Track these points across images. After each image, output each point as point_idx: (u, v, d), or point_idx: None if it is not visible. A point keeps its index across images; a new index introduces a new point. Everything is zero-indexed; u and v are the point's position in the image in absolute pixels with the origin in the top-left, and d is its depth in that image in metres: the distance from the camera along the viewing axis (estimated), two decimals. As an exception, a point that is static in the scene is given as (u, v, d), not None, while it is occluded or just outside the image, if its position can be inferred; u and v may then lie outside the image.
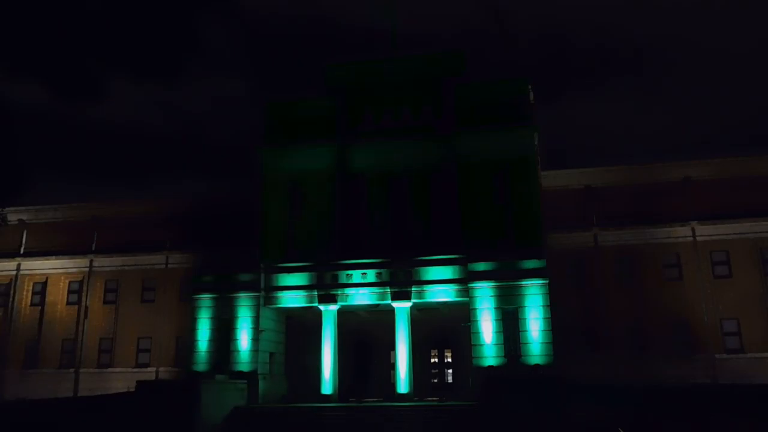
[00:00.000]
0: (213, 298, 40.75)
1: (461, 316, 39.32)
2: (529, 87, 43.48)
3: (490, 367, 35.99)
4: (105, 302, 51.03)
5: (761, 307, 42.26)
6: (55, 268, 52.32)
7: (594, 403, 29.45)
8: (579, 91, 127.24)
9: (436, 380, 45.13)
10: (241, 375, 38.37)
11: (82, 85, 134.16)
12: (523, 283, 37.04)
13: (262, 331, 39.92)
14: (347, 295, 39.44)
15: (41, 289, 52.38)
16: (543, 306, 36.60)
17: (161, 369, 47.99)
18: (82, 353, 49.88)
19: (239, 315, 40.13)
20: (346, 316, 41.27)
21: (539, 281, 36.94)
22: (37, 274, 52.66)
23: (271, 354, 40.93)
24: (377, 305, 39.89)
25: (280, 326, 42.55)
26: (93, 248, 51.99)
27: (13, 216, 51.31)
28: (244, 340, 39.63)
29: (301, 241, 43.07)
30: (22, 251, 53.34)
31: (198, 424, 31.93)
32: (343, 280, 39.53)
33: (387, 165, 43.54)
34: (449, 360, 45.30)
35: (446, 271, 38.48)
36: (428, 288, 38.51)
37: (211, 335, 40.15)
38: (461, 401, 36.19)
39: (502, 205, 41.26)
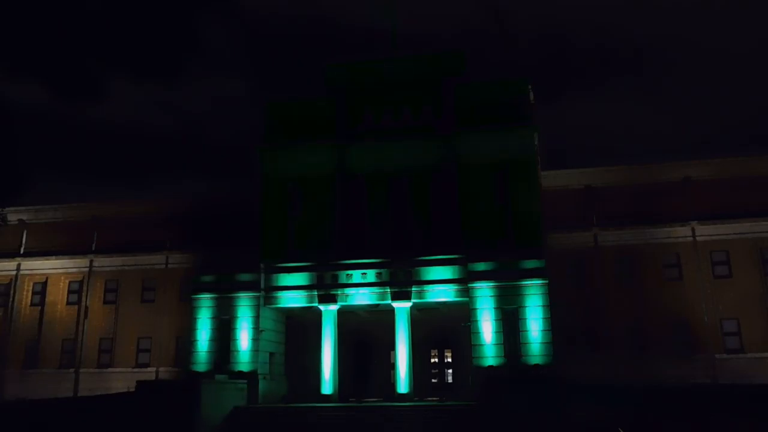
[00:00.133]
0: (213, 298, 40.74)
1: (461, 316, 39.32)
2: (529, 87, 43.47)
3: (490, 367, 35.97)
4: (105, 302, 51.03)
5: (761, 307, 42.26)
6: (55, 268, 52.32)
7: (594, 403, 29.44)
8: (579, 91, 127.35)
9: (436, 380, 45.13)
10: (241, 375, 38.36)
11: (82, 85, 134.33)
12: (523, 283, 37.03)
13: (262, 331, 39.92)
14: (347, 295, 39.44)
15: (41, 289, 52.38)
16: (543, 306, 36.59)
17: (161, 369, 47.99)
18: (82, 353, 49.88)
19: (239, 315, 40.13)
20: (346, 316, 41.27)
21: (539, 281, 36.93)
22: (37, 274, 52.66)
23: (271, 354, 40.92)
24: (377, 305, 39.90)
25: (280, 326, 42.55)
26: (93, 248, 51.99)
27: (13, 216, 51.28)
28: (244, 340, 39.62)
29: (301, 241, 43.07)
30: (22, 251, 53.33)
31: (198, 424, 31.93)
32: (343, 280, 39.53)
33: (387, 165, 43.52)
34: (449, 360, 45.30)
35: (446, 271, 38.48)
36: (428, 288, 38.51)
37: (211, 335, 40.15)
38: (461, 401, 36.20)
39: (502, 205, 41.24)
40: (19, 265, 52.84)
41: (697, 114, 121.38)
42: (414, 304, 38.99)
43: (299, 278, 40.18)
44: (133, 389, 35.38)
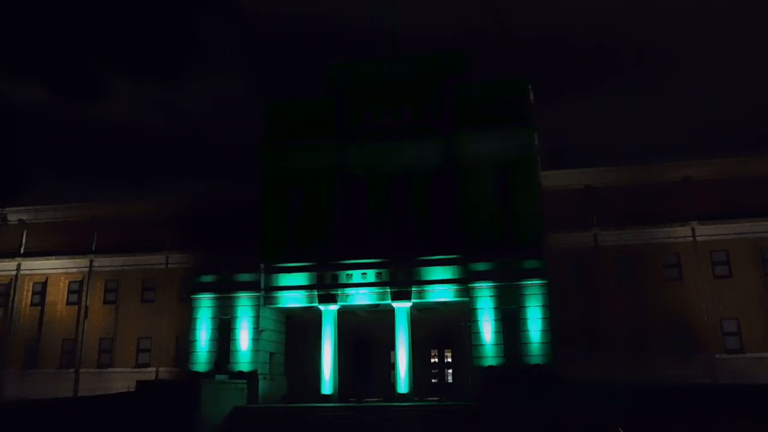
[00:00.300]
0: (213, 298, 40.75)
1: (461, 316, 39.32)
2: (529, 87, 43.49)
3: (490, 366, 35.97)
4: (105, 302, 51.02)
5: (761, 307, 42.26)
6: (55, 268, 52.32)
7: (594, 403, 29.46)
8: (579, 91, 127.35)
9: (436, 380, 45.14)
10: (241, 375, 38.36)
11: (82, 85, 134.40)
12: (523, 283, 37.03)
13: (262, 331, 39.92)
14: (347, 295, 39.45)
15: (41, 289, 52.37)
16: (543, 306, 36.59)
17: (161, 369, 47.98)
18: (82, 353, 49.88)
19: (239, 315, 40.13)
20: (346, 316, 41.28)
21: (539, 281, 36.94)
22: (37, 274, 52.65)
23: (271, 354, 40.92)
24: (377, 305, 39.90)
25: (280, 326, 42.55)
26: (93, 248, 51.98)
27: (13, 216, 51.36)
28: (244, 340, 39.62)
29: (301, 241, 43.08)
30: (22, 251, 53.32)
31: (198, 424, 31.94)
32: (343, 280, 39.53)
33: (387, 165, 43.52)
34: (449, 360, 45.30)
35: (446, 271, 38.49)
36: (428, 288, 38.52)
37: (211, 335, 40.15)
38: (461, 401, 36.21)
39: (502, 206, 41.25)
40: (19, 265, 52.84)
41: (697, 114, 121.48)
42: (414, 304, 38.99)
43: (299, 278, 40.18)
44: (133, 389, 35.39)
